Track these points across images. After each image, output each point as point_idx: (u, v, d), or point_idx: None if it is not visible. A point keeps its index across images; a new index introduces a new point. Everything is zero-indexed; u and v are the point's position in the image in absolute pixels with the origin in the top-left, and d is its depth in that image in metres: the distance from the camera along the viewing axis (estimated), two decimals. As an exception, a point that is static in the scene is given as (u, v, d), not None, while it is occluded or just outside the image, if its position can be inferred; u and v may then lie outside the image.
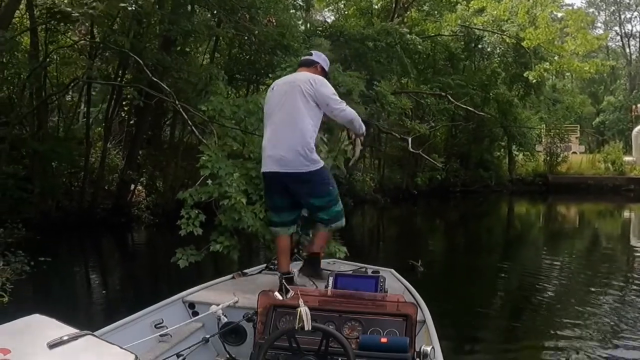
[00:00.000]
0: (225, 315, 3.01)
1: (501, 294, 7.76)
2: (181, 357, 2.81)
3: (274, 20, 9.45)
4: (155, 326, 3.05)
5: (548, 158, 24.52)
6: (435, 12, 19.79)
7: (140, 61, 8.35)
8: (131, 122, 14.13)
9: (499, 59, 20.96)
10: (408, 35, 14.18)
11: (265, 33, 10.85)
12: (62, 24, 10.31)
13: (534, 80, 17.78)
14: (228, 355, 3.05)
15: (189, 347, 2.88)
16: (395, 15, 17.44)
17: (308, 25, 15.52)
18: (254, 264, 4.58)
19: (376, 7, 19.29)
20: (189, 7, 12.09)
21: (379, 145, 20.19)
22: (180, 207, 5.96)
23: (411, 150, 14.49)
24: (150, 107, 12.09)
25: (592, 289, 7.55)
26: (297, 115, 3.67)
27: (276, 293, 2.74)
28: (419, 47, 15.00)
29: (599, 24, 44.28)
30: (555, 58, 17.54)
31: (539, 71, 16.90)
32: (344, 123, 3.93)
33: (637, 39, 45.95)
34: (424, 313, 3.09)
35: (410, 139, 14.46)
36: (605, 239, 13.30)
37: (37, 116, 11.86)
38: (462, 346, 5.15)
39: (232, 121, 6.60)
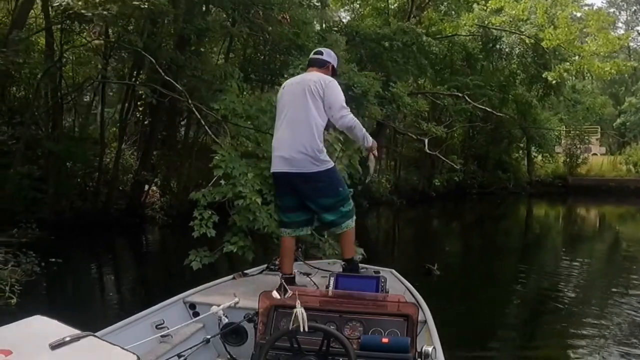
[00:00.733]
0: (226, 316, 3.00)
1: (517, 297, 7.61)
2: (182, 358, 2.80)
3: (287, 17, 9.31)
4: (156, 327, 3.05)
5: (568, 160, 24.14)
6: (453, 12, 19.56)
7: (153, 60, 8.28)
8: (146, 122, 14.11)
9: (517, 59, 20.62)
10: (424, 37, 13.98)
11: (280, 33, 10.74)
12: (76, 23, 10.29)
13: (554, 81, 17.43)
14: (229, 356, 3.04)
15: (190, 348, 2.88)
16: (412, 15, 17.26)
17: (323, 24, 15.40)
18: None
19: (393, 6, 19.08)
20: (204, 7, 12.04)
21: (394, 147, 20.02)
22: (194, 208, 5.86)
23: (428, 151, 14.33)
24: (165, 107, 12.06)
25: (611, 295, 7.32)
26: (306, 116, 3.65)
27: (274, 292, 2.73)
28: (435, 48, 14.79)
29: (620, 24, 43.54)
30: (575, 58, 17.20)
31: (559, 72, 16.57)
32: (345, 130, 3.79)
33: (659, 40, 44.98)
34: (425, 313, 3.08)
35: (426, 140, 14.31)
36: (626, 242, 12.99)
37: (53, 116, 11.88)
38: (465, 347, 5.04)
39: (246, 121, 6.50)
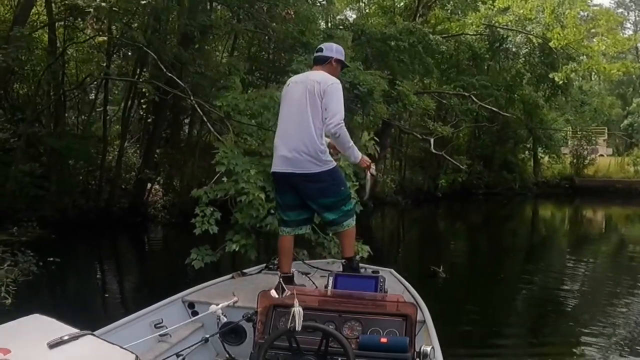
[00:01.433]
0: (224, 315, 2.99)
1: (521, 298, 7.57)
2: (181, 357, 2.80)
3: (292, 13, 9.19)
4: (155, 326, 3.06)
5: (575, 161, 23.93)
6: (459, 11, 19.40)
7: (155, 56, 8.18)
8: (149, 120, 14.03)
9: (524, 59, 20.44)
10: (431, 36, 13.83)
11: (285, 30, 10.63)
12: (78, 19, 10.21)
13: (561, 82, 17.25)
14: (228, 355, 3.03)
15: (189, 347, 2.89)
16: (419, 15, 17.12)
17: (329, 23, 15.28)
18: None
19: (399, 5, 18.94)
20: (208, 4, 11.94)
21: (399, 146, 19.89)
22: (197, 206, 5.75)
23: (434, 151, 14.21)
24: (168, 104, 11.98)
25: (616, 296, 7.27)
26: (307, 116, 3.61)
27: (272, 291, 2.74)
28: (442, 47, 14.63)
29: (628, 25, 43.16)
30: (582, 58, 17.00)
31: (566, 72, 16.39)
32: (329, 134, 3.67)
33: (668, 40, 44.61)
34: (424, 313, 3.10)
35: (432, 140, 14.17)
36: (632, 244, 12.80)
37: (55, 113, 11.82)
38: (466, 347, 5.01)
39: (250, 119, 6.39)
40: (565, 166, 24.26)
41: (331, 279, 3.10)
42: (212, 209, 5.53)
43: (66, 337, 1.65)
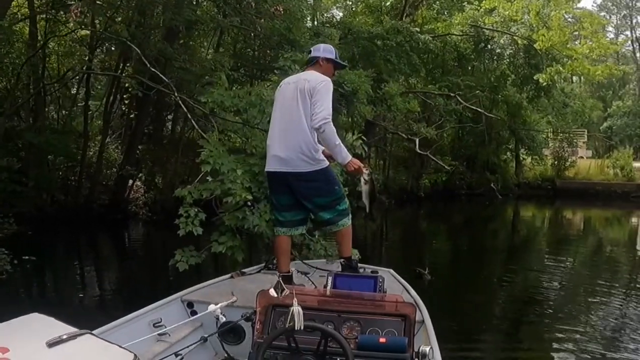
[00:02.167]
0: (223, 315, 3.01)
1: (504, 298, 7.67)
2: (180, 356, 2.84)
3: (281, 9, 9.10)
4: (154, 325, 3.09)
5: (556, 162, 24.14)
6: (445, 11, 19.45)
7: (139, 51, 8.00)
8: (131, 116, 13.82)
9: (508, 60, 20.56)
10: (420, 35, 13.80)
11: (271, 27, 10.51)
12: (61, 12, 9.99)
13: (545, 83, 17.39)
14: (226, 355, 3.06)
15: (188, 347, 2.93)
16: (405, 14, 17.11)
17: (315, 21, 15.19)
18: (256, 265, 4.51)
19: (386, 4, 18.91)
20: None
21: (384, 146, 19.85)
22: (180, 204, 5.60)
23: (419, 151, 14.19)
24: (151, 100, 11.79)
25: (596, 296, 7.45)
26: (299, 115, 3.65)
27: (271, 290, 2.75)
28: (431, 45, 14.62)
29: (610, 28, 43.84)
30: (566, 60, 17.15)
31: (550, 74, 16.52)
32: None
33: (649, 44, 45.44)
34: (423, 313, 3.14)
35: (417, 140, 14.16)
36: (611, 246, 12.99)
37: (35, 108, 11.57)
38: (461, 347, 5.09)
39: (235, 115, 6.26)
40: (546, 168, 24.41)
41: (330, 278, 3.12)
42: (196, 210, 5.37)
43: (65, 336, 1.68)
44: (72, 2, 8.25)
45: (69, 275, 8.27)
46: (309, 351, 2.45)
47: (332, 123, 3.55)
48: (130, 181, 13.18)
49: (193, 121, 7.24)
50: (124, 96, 13.40)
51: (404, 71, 15.20)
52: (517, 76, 20.17)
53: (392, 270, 4.16)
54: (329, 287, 3.02)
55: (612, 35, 38.70)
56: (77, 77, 13.12)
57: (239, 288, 3.46)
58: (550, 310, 6.81)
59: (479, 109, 17.07)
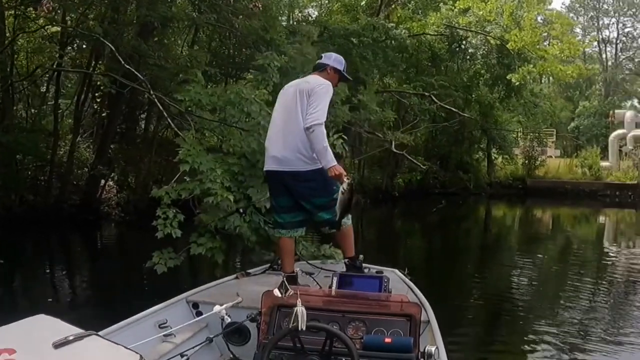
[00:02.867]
0: (229, 315, 3.02)
1: (478, 295, 7.69)
2: (185, 357, 2.84)
3: (260, 5, 9.02)
4: (159, 326, 3.09)
5: (526, 162, 24.53)
6: (420, 11, 19.58)
7: (113, 47, 7.83)
8: (103, 114, 13.54)
9: (482, 60, 20.81)
10: (396, 31, 13.85)
11: (248, 26, 10.42)
12: (30, 8, 9.72)
13: (517, 83, 17.66)
14: (232, 355, 3.08)
15: (193, 347, 2.93)
16: (381, 12, 17.18)
17: (291, 20, 15.12)
18: (236, 267, 4.40)
19: (362, 3, 18.94)
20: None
21: (360, 145, 19.86)
22: (153, 204, 5.47)
23: (395, 151, 14.23)
24: (125, 98, 11.56)
25: (565, 291, 7.66)
26: (297, 115, 3.67)
27: (275, 290, 2.73)
28: (407, 41, 14.67)
29: (577, 29, 44.77)
30: (538, 61, 17.43)
31: (522, 74, 16.78)
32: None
33: (614, 45, 46.58)
34: (428, 313, 3.13)
35: (393, 140, 14.19)
36: (579, 244, 13.27)
37: (2, 106, 11.24)
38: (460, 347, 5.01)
39: (212, 114, 6.16)
40: (517, 167, 24.80)
41: (335, 279, 3.12)
42: (175, 211, 5.25)
43: (71, 337, 1.69)
44: (43, -3, 7.99)
45: (37, 279, 7.93)
46: (315, 351, 2.45)
47: (323, 126, 3.56)
48: (103, 181, 12.88)
49: (169, 119, 7.13)
50: (96, 94, 13.13)
51: (380, 67, 15.22)
52: (490, 76, 20.43)
53: (397, 270, 4.17)
54: (334, 288, 3.03)
55: (579, 37, 39.43)
56: (47, 75, 12.80)
57: (244, 289, 3.46)
58: (521, 305, 6.96)
59: (453, 109, 17.23)
